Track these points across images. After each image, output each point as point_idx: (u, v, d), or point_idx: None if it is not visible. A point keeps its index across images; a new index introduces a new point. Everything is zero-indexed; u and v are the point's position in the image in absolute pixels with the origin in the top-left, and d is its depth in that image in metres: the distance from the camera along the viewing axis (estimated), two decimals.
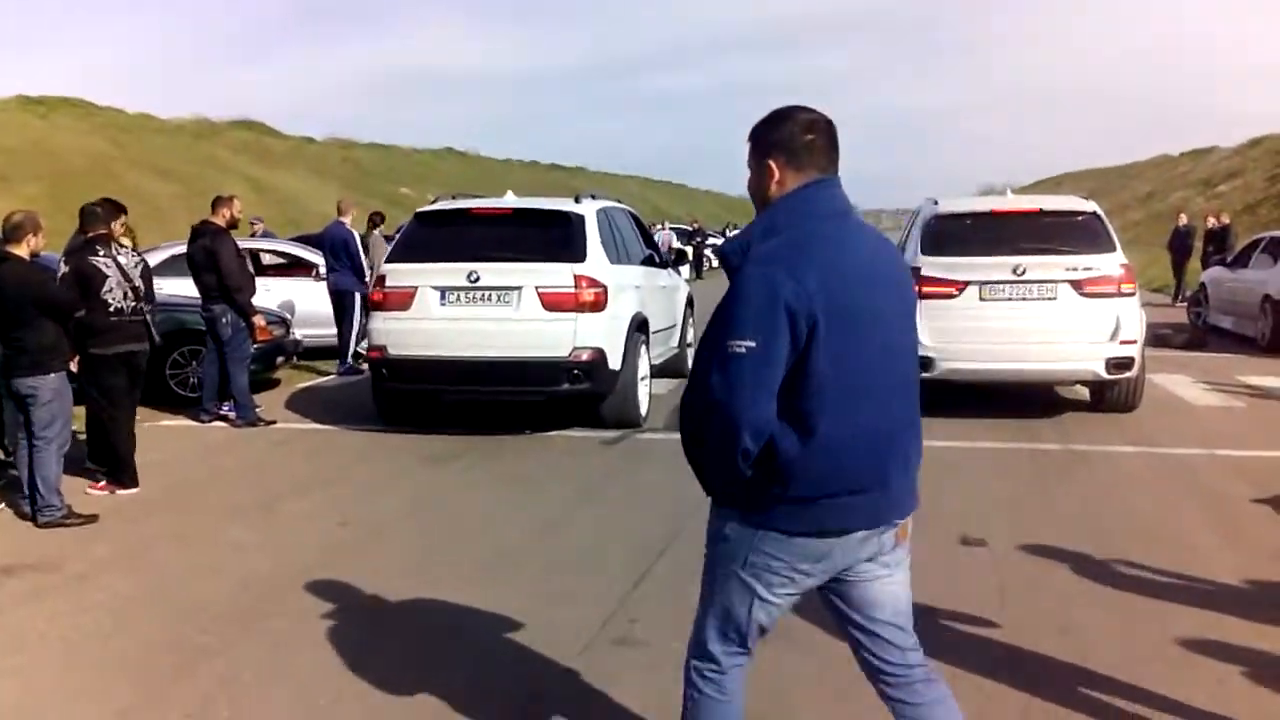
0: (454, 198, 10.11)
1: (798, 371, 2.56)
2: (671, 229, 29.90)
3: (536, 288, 8.62)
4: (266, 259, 14.66)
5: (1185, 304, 19.39)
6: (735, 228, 65.94)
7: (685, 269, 23.48)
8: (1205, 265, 21.22)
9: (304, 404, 11.00)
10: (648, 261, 10.60)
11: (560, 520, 6.68)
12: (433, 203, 10.00)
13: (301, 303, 13.33)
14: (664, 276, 11.20)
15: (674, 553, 5.82)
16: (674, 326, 11.48)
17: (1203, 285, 18.13)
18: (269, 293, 13.24)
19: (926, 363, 9.59)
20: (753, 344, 2.53)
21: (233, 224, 9.72)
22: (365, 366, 12.68)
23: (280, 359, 11.72)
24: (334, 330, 12.82)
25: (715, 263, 42.63)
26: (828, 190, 2.73)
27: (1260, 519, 6.58)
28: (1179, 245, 23.11)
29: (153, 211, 26.75)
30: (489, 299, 8.70)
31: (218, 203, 9.74)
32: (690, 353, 12.27)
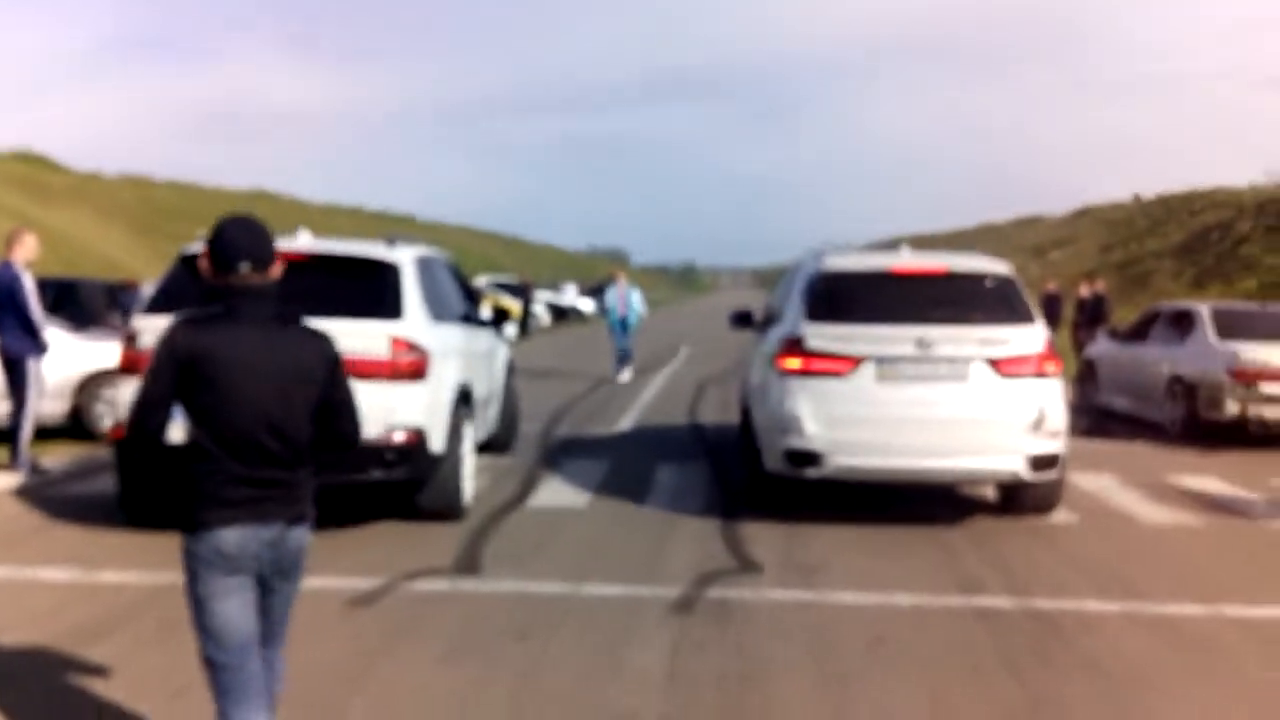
0: None
1: None
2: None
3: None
4: None
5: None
6: (569, 282, 64.05)
7: (511, 328, 20.57)
8: (1078, 337, 19.62)
9: None
10: (469, 320, 9.18)
11: None
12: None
13: None
14: (484, 337, 9.72)
15: None
16: (492, 396, 9.94)
17: (1089, 362, 16.19)
18: None
19: (812, 458, 7.62)
20: None
21: None
22: (44, 465, 9.39)
23: None
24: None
25: (545, 321, 40.97)
26: None
27: None
28: (1049, 314, 21.51)
29: None
30: None
31: None
32: (507, 425, 10.78)
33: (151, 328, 7.10)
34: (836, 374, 7.71)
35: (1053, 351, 7.92)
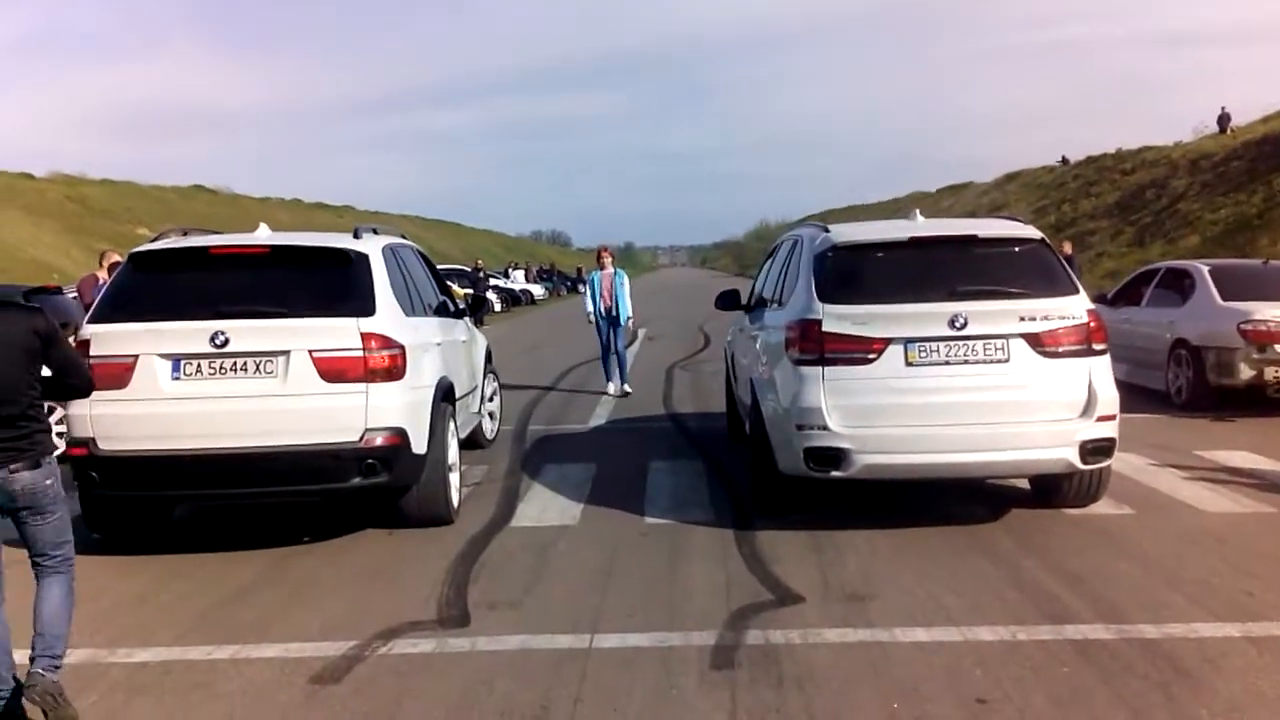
0: (184, 233, 7.65)
1: None
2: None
3: (310, 351, 6.58)
4: None
5: None
6: (518, 267, 63.01)
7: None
8: None
9: None
10: (441, 310, 8.64)
11: None
12: (154, 240, 7.50)
13: None
14: (461, 328, 9.29)
15: None
16: (475, 389, 9.61)
17: None
18: None
19: (838, 457, 6.67)
20: None
21: None
22: None
23: None
24: None
25: (497, 307, 39.94)
26: None
27: None
28: None
29: None
30: (244, 368, 6.61)
31: None
32: (488, 417, 10.48)
33: (104, 337, 6.63)
34: (860, 361, 6.77)
35: (1100, 323, 7.04)
